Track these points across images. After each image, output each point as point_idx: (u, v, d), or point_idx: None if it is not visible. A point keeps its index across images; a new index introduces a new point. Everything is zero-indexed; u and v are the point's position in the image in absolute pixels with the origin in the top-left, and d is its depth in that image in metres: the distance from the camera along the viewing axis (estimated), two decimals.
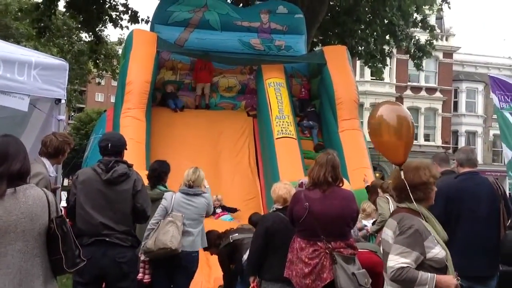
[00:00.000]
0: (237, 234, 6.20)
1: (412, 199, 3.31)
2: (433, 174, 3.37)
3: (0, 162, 2.77)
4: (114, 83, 47.68)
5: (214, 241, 6.20)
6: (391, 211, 7.14)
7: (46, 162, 4.67)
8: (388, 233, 3.32)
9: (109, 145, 4.49)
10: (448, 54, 36.52)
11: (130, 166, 4.49)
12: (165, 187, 6.12)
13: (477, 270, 4.22)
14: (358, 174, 9.54)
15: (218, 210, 9.36)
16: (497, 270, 4.28)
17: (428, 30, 17.44)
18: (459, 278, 3.20)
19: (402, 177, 3.32)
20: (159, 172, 6.09)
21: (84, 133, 38.99)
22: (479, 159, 35.31)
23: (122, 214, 4.38)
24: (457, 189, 4.55)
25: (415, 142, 35.39)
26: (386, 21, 15.91)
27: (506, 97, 9.22)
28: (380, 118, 3.68)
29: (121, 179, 4.39)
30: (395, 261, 3.14)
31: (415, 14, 16.89)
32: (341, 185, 4.62)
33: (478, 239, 4.44)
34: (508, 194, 4.96)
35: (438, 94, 36.23)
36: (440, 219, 3.45)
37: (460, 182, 4.67)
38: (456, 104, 36.88)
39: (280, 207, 5.08)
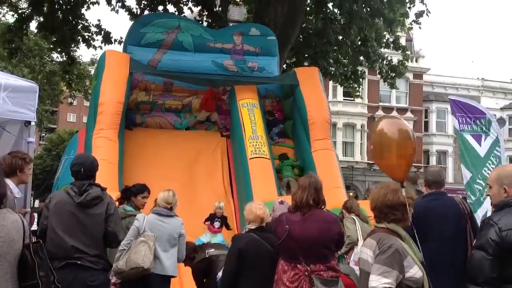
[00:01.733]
0: (213, 250, 6.15)
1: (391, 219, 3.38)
2: (410, 196, 3.44)
3: None
4: (87, 103, 47.32)
5: (189, 253, 6.15)
6: (358, 232, 7.21)
7: (10, 183, 4.59)
8: (367, 253, 3.34)
9: (82, 169, 4.46)
10: (418, 75, 37.28)
11: (103, 189, 4.46)
12: (133, 208, 6.09)
13: None
14: (332, 194, 9.59)
15: (216, 224, 9.18)
16: None
17: (400, 51, 17.77)
18: None
19: (404, 194, 3.37)
20: (127, 191, 6.09)
21: (55, 154, 38.55)
22: (450, 178, 35.89)
23: (94, 238, 4.34)
24: (424, 209, 4.62)
25: None
26: (359, 43, 16.15)
27: (468, 119, 9.43)
28: (382, 133, 3.70)
29: (94, 202, 4.36)
30: (377, 281, 3.16)
31: (387, 35, 17.20)
32: (323, 207, 4.65)
33: (445, 259, 4.50)
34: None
35: (409, 114, 36.82)
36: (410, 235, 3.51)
37: (426, 202, 4.75)
38: (426, 124, 37.52)
39: (253, 227, 5.07)
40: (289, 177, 10.73)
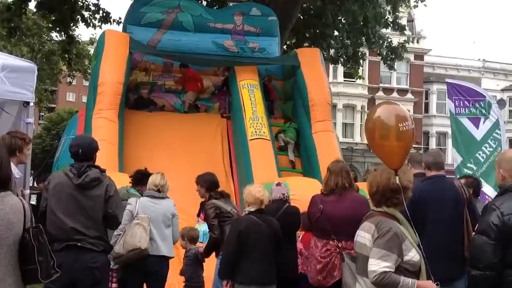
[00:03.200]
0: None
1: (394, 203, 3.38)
2: (410, 179, 3.44)
3: None
4: (86, 83, 47.06)
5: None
6: None
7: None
8: (365, 236, 3.33)
9: (80, 151, 4.43)
10: (419, 56, 37.07)
11: (102, 171, 4.44)
12: (137, 192, 6.09)
13: (442, 273, 4.29)
14: None
15: None
16: (463, 273, 4.35)
17: (399, 31, 17.62)
18: (438, 283, 3.25)
19: (398, 181, 3.37)
20: (141, 175, 6.09)
21: (55, 133, 38.48)
22: (449, 159, 35.88)
23: (94, 220, 4.33)
24: (423, 192, 4.61)
25: None
26: (361, 23, 15.98)
27: (466, 102, 9.39)
28: (378, 120, 3.67)
29: (93, 184, 4.34)
30: (377, 265, 3.16)
31: (387, 16, 17.03)
32: (353, 190, 5.07)
33: (442, 243, 4.51)
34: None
35: (409, 95, 36.72)
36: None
37: (425, 186, 4.75)
38: (427, 105, 37.43)
39: (253, 209, 5.11)
40: (290, 139, 10.97)
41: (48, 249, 2.84)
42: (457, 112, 9.43)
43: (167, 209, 5.68)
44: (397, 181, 3.37)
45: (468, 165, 9.26)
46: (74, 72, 23.82)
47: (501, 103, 32.49)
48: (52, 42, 24.47)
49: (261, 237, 4.96)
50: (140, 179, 6.25)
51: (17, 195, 3.01)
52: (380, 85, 36.29)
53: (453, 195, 4.73)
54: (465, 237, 4.60)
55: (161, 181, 5.70)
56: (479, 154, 9.29)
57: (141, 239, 5.23)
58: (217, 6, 15.74)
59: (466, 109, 9.46)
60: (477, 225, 3.74)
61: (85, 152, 4.45)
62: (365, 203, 4.81)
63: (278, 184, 6.07)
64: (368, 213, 3.53)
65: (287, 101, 12.04)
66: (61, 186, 4.33)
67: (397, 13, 17.20)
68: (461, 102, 9.48)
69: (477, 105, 9.45)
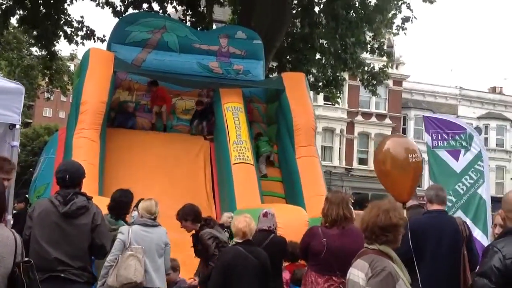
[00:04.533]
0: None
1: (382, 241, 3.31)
2: (402, 217, 3.38)
3: None
4: (64, 99, 46.63)
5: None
6: None
7: None
8: (358, 275, 3.25)
9: (67, 176, 4.28)
10: (398, 82, 37.51)
11: (89, 198, 4.29)
12: (126, 223, 5.90)
13: None
14: (315, 202, 9.53)
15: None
16: None
17: (385, 56, 17.84)
18: None
19: (405, 215, 3.30)
20: (121, 204, 5.90)
21: (30, 150, 37.79)
22: (426, 185, 36.22)
23: (79, 249, 4.18)
24: (423, 226, 4.60)
25: (365, 167, 36.15)
26: (339, 51, 16.14)
27: (445, 134, 9.43)
28: (388, 152, 3.64)
29: (79, 212, 4.19)
30: None
31: (371, 42, 17.23)
32: (353, 220, 4.90)
33: (440, 277, 4.48)
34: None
35: (387, 120, 37.07)
36: (408, 256, 3.44)
37: (427, 219, 4.74)
38: (404, 131, 37.78)
39: (240, 241, 5.01)
40: (267, 152, 11.03)
41: (38, 286, 2.71)
42: (434, 145, 9.46)
43: (160, 237, 5.53)
44: (398, 216, 3.30)
45: (448, 197, 9.28)
46: (53, 88, 23.51)
47: (477, 130, 33.09)
48: (32, 57, 24.20)
49: (247, 269, 4.87)
50: (119, 210, 6.01)
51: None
52: (359, 109, 36.59)
53: (453, 231, 4.72)
54: (461, 274, 4.56)
55: (156, 209, 5.55)
56: (459, 186, 9.30)
57: (136, 272, 5.07)
58: (201, 27, 15.77)
59: (445, 141, 9.48)
60: (478, 266, 3.69)
61: (72, 178, 4.30)
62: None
63: (265, 215, 5.98)
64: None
65: (270, 125, 11.99)
66: (46, 214, 4.17)
67: (380, 39, 17.41)
68: (439, 135, 9.51)
69: (456, 137, 9.48)
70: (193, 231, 6.15)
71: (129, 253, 5.17)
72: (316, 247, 4.70)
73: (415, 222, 4.55)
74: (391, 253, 3.31)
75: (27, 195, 10.29)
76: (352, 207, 4.94)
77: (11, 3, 14.63)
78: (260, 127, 12.03)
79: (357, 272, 3.27)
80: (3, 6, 15.21)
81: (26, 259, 2.71)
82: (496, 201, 5.44)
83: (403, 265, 3.36)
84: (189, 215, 5.98)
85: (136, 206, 6.59)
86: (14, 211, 10.89)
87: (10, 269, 2.64)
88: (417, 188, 5.51)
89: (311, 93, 31.87)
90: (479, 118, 39.87)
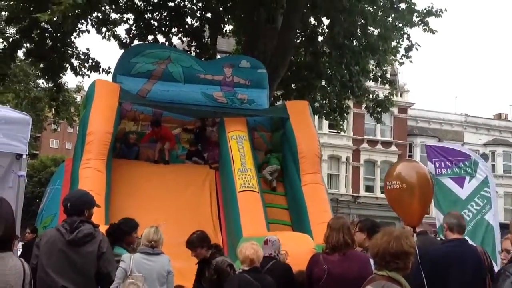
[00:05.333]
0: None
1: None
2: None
3: None
4: (70, 130, 47.03)
5: None
6: None
7: None
8: None
9: (68, 204, 4.32)
10: (403, 109, 37.65)
11: (96, 226, 4.32)
12: (125, 249, 5.88)
13: None
14: (321, 229, 9.47)
15: None
16: None
17: (388, 85, 17.97)
18: None
19: (415, 240, 3.31)
20: (119, 231, 5.88)
21: (37, 181, 37.91)
22: (432, 213, 35.98)
23: (86, 277, 4.18)
24: (445, 254, 4.59)
25: (371, 194, 36.04)
26: (343, 79, 16.27)
27: (448, 162, 9.44)
28: (398, 177, 3.65)
29: (85, 239, 4.20)
30: None
31: (374, 70, 17.38)
32: (355, 247, 4.87)
33: None
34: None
35: (393, 148, 37.08)
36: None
37: (447, 248, 4.73)
38: (411, 158, 37.72)
39: (247, 268, 5.00)
40: (274, 165, 11.23)
41: None
42: (437, 173, 9.47)
43: (162, 266, 5.51)
44: (409, 244, 3.29)
45: None
46: (60, 119, 23.70)
47: (483, 157, 32.97)
48: (38, 89, 24.45)
49: None
50: (111, 234, 6.00)
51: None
52: (365, 137, 36.65)
53: (476, 260, 4.71)
54: None
55: (155, 236, 5.53)
56: (465, 213, 9.25)
57: None
58: (205, 57, 15.97)
59: (448, 169, 9.48)
60: None
61: (74, 206, 4.34)
62: (368, 261, 4.70)
63: (266, 243, 5.99)
64: (370, 276, 3.45)
65: (271, 152, 12.00)
66: (53, 242, 4.18)
67: (383, 67, 17.56)
68: (442, 163, 9.52)
69: (461, 164, 9.48)
70: (199, 258, 6.13)
71: (130, 281, 5.17)
72: (317, 274, 4.69)
73: (434, 250, 4.54)
74: (401, 279, 3.31)
75: (36, 226, 10.34)
76: (352, 232, 4.91)
77: (18, 36, 14.87)
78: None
79: None
80: (11, 39, 15.48)
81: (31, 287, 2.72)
82: (505, 228, 5.42)
83: None
84: (205, 242, 6.03)
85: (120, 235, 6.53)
86: (23, 242, 10.95)
87: None
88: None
89: (316, 121, 32.20)
90: (485, 144, 39.81)
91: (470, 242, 5.11)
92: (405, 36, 16.07)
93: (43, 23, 13.21)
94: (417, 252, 3.61)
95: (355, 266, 4.62)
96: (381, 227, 5.74)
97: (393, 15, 15.23)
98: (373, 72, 17.45)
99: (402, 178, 3.64)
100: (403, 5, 14.91)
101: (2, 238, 2.68)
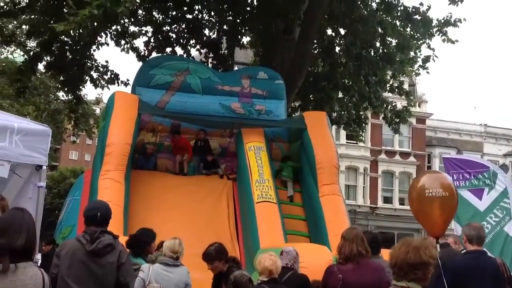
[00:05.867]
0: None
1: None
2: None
3: (0, 234, 2.69)
4: (89, 142, 47.49)
5: None
6: None
7: None
8: None
9: (99, 214, 4.36)
10: (421, 120, 37.38)
11: (115, 237, 4.34)
12: (144, 259, 5.91)
13: None
14: (339, 240, 9.44)
15: None
16: None
17: (404, 96, 17.90)
18: None
19: (438, 249, 3.29)
20: (140, 242, 5.91)
21: (56, 192, 38.26)
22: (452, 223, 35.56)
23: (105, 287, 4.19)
24: (465, 266, 4.59)
25: (390, 205, 35.73)
26: (362, 89, 16.24)
27: (466, 174, 9.36)
28: (422, 188, 3.65)
29: (106, 250, 4.24)
30: None
31: (391, 80, 17.33)
32: (369, 256, 4.87)
33: None
34: None
35: (412, 158, 36.78)
36: None
37: (468, 259, 4.73)
38: (429, 168, 37.37)
39: (266, 279, 4.97)
40: (287, 178, 11.31)
41: None
42: (456, 185, 9.44)
43: (181, 278, 5.52)
44: (429, 254, 3.27)
45: None
46: (79, 131, 23.99)
47: (503, 168, 32.57)
48: (58, 101, 24.78)
49: None
50: (136, 248, 6.02)
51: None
52: (383, 147, 36.41)
53: (496, 272, 4.71)
54: None
55: (179, 247, 5.56)
56: (483, 225, 9.19)
57: None
58: (223, 69, 16.05)
59: (467, 181, 9.42)
60: None
61: (103, 216, 4.41)
62: (382, 269, 4.73)
63: (281, 254, 5.96)
64: (387, 281, 3.43)
65: (286, 161, 11.98)
66: (73, 252, 4.21)
67: (400, 78, 17.50)
68: (460, 175, 9.46)
69: (479, 176, 9.41)
70: (216, 272, 6.08)
71: None
72: (332, 284, 4.72)
73: (457, 263, 4.54)
74: None
75: (54, 237, 10.43)
76: (366, 242, 4.89)
77: (38, 49, 15.09)
78: None
79: None
80: (31, 53, 15.72)
81: None
82: None
83: None
84: (223, 254, 5.93)
85: (158, 247, 6.60)
86: (41, 253, 11.05)
87: None
88: None
89: (334, 131, 32.15)
90: (505, 155, 39.31)
91: (489, 254, 5.07)
92: (425, 45, 15.98)
93: (63, 36, 13.40)
94: (439, 263, 3.59)
95: (368, 274, 4.65)
96: (380, 242, 5.76)
97: (409, 26, 15.20)
98: (390, 83, 17.39)
99: (425, 188, 3.63)
100: (417, 17, 14.86)
101: (23, 248, 2.71)
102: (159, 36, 16.45)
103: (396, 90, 17.64)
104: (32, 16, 14.26)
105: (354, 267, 4.71)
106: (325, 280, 4.88)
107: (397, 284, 3.34)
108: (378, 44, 15.76)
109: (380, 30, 15.13)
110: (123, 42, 16.31)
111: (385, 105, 17.40)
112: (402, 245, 3.43)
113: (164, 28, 16.45)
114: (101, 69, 16.08)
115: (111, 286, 4.26)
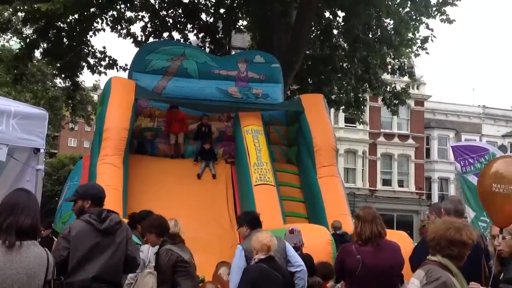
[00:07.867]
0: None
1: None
2: (473, 237, 3.39)
3: (7, 213, 2.75)
4: (88, 129, 47.46)
5: None
6: None
7: None
8: (414, 282, 3.31)
9: (100, 195, 4.48)
10: (420, 102, 37.35)
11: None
12: (138, 237, 5.97)
13: None
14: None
15: None
16: None
17: (407, 76, 17.89)
18: None
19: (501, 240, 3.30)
20: (133, 218, 6.01)
21: (56, 179, 38.32)
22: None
23: (116, 265, 4.26)
24: None
25: (389, 188, 35.88)
26: (360, 71, 16.20)
27: (470, 159, 9.48)
28: (496, 174, 3.65)
29: (117, 227, 4.30)
30: None
31: (392, 62, 17.29)
32: (385, 236, 4.76)
33: None
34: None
35: (410, 141, 36.83)
36: None
37: None
38: (428, 150, 37.48)
39: (263, 257, 5.02)
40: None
41: None
42: (463, 171, 9.58)
43: None
44: (469, 235, 3.32)
45: (482, 218, 9.27)
46: (77, 118, 23.98)
47: (502, 148, 32.61)
48: (56, 88, 24.73)
49: (273, 285, 4.87)
50: (131, 222, 6.12)
51: None
52: (381, 130, 36.45)
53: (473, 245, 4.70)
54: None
55: (175, 228, 5.59)
56: None
57: None
58: (219, 54, 16.01)
59: (472, 166, 9.54)
60: (502, 273, 3.69)
61: (103, 197, 4.52)
62: (399, 250, 4.71)
63: (291, 232, 5.99)
64: (403, 261, 3.45)
65: (291, 146, 12.05)
66: (84, 233, 4.19)
67: (401, 59, 17.47)
68: (466, 161, 9.61)
69: (482, 159, 9.52)
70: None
71: (148, 271, 5.28)
72: (351, 264, 4.56)
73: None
74: (452, 267, 3.33)
75: (51, 223, 10.50)
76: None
77: (35, 36, 15.05)
78: (281, 149, 12.09)
79: (413, 280, 3.33)
80: (28, 40, 15.68)
81: (54, 275, 2.81)
82: None
83: (464, 281, 3.37)
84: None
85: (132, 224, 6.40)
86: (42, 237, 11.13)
87: (41, 286, 2.74)
88: None
89: (332, 114, 32.15)
90: (503, 136, 39.36)
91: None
92: (423, 26, 15.90)
93: (59, 23, 13.35)
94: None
95: (387, 255, 4.57)
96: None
97: (409, 5, 15.10)
98: (391, 65, 17.35)
99: (499, 175, 3.64)
100: None
101: (29, 227, 2.76)
102: (156, 21, 16.40)
103: (398, 71, 17.62)
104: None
105: (374, 249, 4.57)
106: (341, 259, 4.74)
107: (430, 258, 3.40)
108: (375, 27, 15.69)
109: (376, 12, 15.06)
110: (119, 27, 16.25)
111: (384, 87, 17.39)
112: (443, 222, 3.50)
113: (161, 13, 16.39)
114: (99, 55, 16.05)
115: (121, 262, 4.31)
